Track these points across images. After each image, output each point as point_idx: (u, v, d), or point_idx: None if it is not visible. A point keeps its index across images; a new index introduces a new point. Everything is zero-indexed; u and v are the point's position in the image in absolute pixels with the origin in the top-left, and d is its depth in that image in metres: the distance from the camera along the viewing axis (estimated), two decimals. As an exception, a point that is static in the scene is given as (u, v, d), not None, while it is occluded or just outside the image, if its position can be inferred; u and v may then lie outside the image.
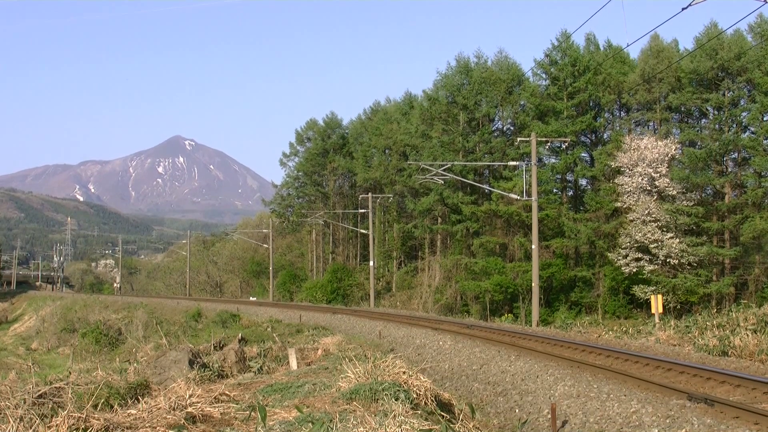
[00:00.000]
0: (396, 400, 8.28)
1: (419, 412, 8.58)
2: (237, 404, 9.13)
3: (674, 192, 39.91)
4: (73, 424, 6.92)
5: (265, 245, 74.52)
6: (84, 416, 7.09)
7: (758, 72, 40.63)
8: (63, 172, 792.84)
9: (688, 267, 39.20)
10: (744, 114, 43.31)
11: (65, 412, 7.10)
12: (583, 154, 49.70)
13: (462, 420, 9.87)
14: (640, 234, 38.75)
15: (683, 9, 15.10)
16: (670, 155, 39.92)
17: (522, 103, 51.45)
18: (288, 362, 15.97)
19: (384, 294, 59.76)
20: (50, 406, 8.43)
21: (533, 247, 33.52)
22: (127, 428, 7.19)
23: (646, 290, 38.30)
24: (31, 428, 6.79)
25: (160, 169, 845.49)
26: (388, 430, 6.89)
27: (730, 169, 44.31)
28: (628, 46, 23.39)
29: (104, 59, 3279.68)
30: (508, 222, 48.92)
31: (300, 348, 17.77)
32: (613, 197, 42.95)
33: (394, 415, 7.30)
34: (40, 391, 8.92)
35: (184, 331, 36.31)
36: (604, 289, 44.12)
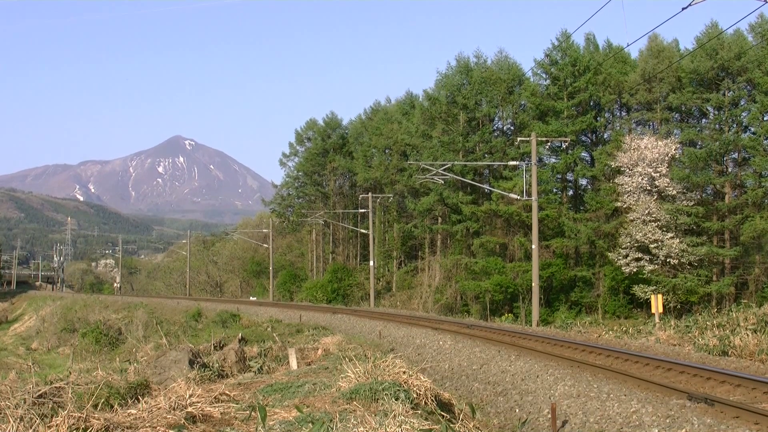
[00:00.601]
0: (396, 399, 8.28)
1: (419, 411, 8.58)
2: (237, 404, 9.13)
3: (674, 192, 39.90)
4: (73, 424, 6.92)
5: (265, 245, 74.52)
6: (84, 416, 7.09)
7: (758, 72, 40.62)
8: (63, 172, 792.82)
9: (688, 267, 39.19)
10: (744, 114, 43.29)
11: (65, 412, 7.10)
12: (583, 154, 49.70)
13: (462, 420, 9.86)
14: (640, 234, 38.75)
15: (683, 9, 15.10)
16: (670, 155, 39.92)
17: (522, 103, 51.45)
18: (288, 362, 15.98)
19: (384, 294, 59.76)
20: (50, 406, 8.43)
21: (533, 247, 33.51)
22: (127, 428, 7.19)
23: (646, 290, 38.29)
24: (31, 428, 6.78)
25: (160, 169, 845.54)
26: (388, 429, 6.89)
27: (730, 169, 44.30)
28: (628, 45, 23.40)
29: (104, 59, 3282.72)
30: (508, 222, 48.92)
31: (300, 348, 17.77)
32: (613, 197, 42.94)
33: (394, 415, 7.30)
34: (40, 391, 8.92)
35: (184, 331, 36.31)
36: (604, 289, 44.12)
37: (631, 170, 40.03)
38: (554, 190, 50.26)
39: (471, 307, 48.30)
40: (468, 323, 27.79)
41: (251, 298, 69.60)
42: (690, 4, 15.00)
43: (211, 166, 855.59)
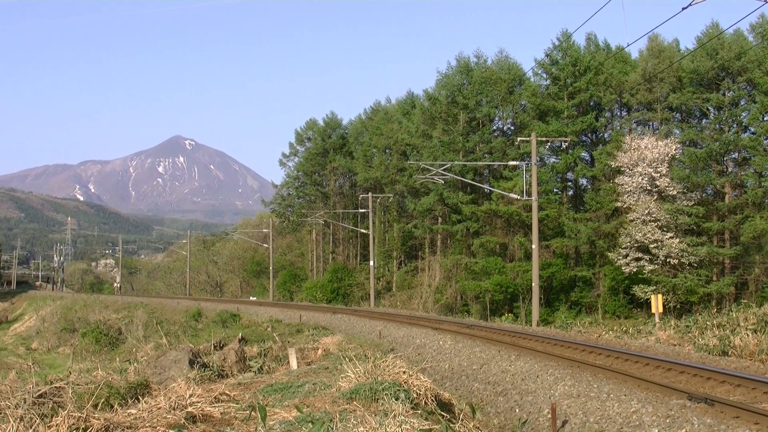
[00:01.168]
0: (396, 399, 8.28)
1: (419, 411, 8.58)
2: (237, 404, 9.13)
3: (674, 192, 39.90)
4: (73, 424, 6.92)
5: (265, 245, 74.52)
6: (84, 416, 7.09)
7: (758, 72, 40.63)
8: (63, 172, 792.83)
9: (689, 267, 39.19)
10: (744, 114, 43.31)
11: (65, 412, 7.10)
12: (583, 154, 49.70)
13: (462, 420, 9.86)
14: (640, 234, 38.75)
15: (683, 9, 15.10)
16: (670, 155, 39.92)
17: (522, 103, 51.43)
18: (288, 362, 15.98)
19: (384, 294, 59.76)
20: (50, 405, 8.43)
21: (533, 246, 33.51)
22: (127, 428, 7.19)
23: (646, 290, 38.29)
24: (31, 428, 6.78)
25: (160, 169, 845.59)
26: (388, 429, 6.89)
27: (730, 169, 44.30)
28: (628, 45, 23.40)
29: (104, 59, 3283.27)
30: (508, 222, 48.91)
31: (300, 348, 17.77)
32: (614, 197, 42.94)
33: (395, 415, 7.30)
34: (40, 390, 8.92)
35: (184, 331, 36.31)
36: (604, 289, 44.11)
37: (631, 170, 40.03)
38: (554, 190, 50.26)
39: (471, 307, 48.30)
40: (468, 323, 27.78)
41: (251, 298, 69.59)
42: (690, 4, 15.00)
43: (211, 166, 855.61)
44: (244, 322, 36.27)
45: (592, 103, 48.77)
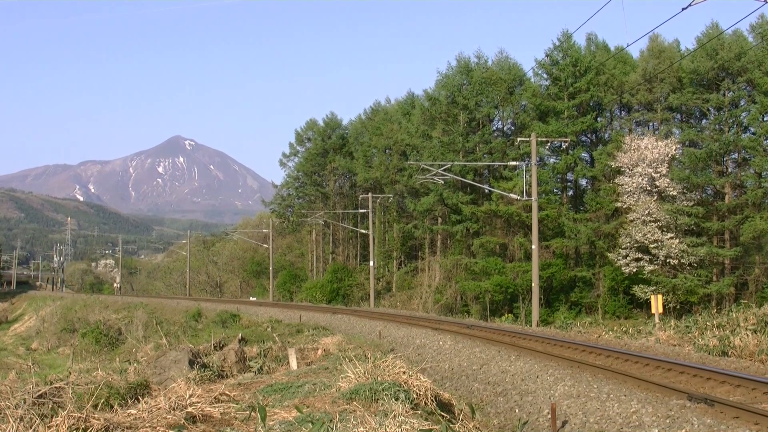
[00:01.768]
0: (396, 400, 8.28)
1: (419, 412, 8.58)
2: (237, 404, 9.13)
3: (674, 192, 39.90)
4: (73, 424, 6.92)
5: (265, 245, 74.52)
6: (84, 416, 7.09)
7: (758, 72, 40.63)
8: (63, 172, 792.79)
9: (688, 267, 39.19)
10: (744, 114, 43.31)
11: (65, 412, 7.10)
12: (583, 154, 49.69)
13: (462, 420, 9.87)
14: (640, 234, 38.75)
15: (683, 9, 15.11)
16: (670, 155, 39.92)
17: (523, 103, 51.42)
18: (288, 362, 15.98)
19: (384, 294, 59.75)
20: (50, 406, 8.43)
21: (533, 247, 33.50)
22: (127, 428, 7.19)
23: (646, 290, 38.29)
24: (31, 428, 6.78)
25: (160, 169, 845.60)
26: (388, 430, 6.89)
27: (730, 170, 44.30)
28: (628, 45, 23.43)
29: (104, 59, 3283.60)
30: (508, 222, 48.91)
31: (300, 348, 17.77)
32: (613, 197, 42.94)
33: (394, 415, 7.30)
34: (40, 391, 8.92)
35: (184, 331, 36.31)
36: (604, 289, 44.11)
37: (631, 170, 40.03)
38: (554, 191, 50.26)
39: (471, 307, 48.29)
40: (468, 323, 27.78)
41: (251, 298, 69.58)
42: (690, 5, 15.01)
43: (211, 166, 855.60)
44: (244, 322, 36.27)
45: (592, 104, 48.77)
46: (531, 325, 31.25)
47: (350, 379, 9.67)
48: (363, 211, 57.66)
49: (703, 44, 41.89)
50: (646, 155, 39.30)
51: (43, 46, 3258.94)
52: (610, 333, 23.31)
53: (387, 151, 62.71)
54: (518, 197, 36.72)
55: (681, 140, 43.82)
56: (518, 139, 40.94)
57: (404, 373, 9.99)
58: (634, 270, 39.57)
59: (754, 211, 40.88)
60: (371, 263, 51.75)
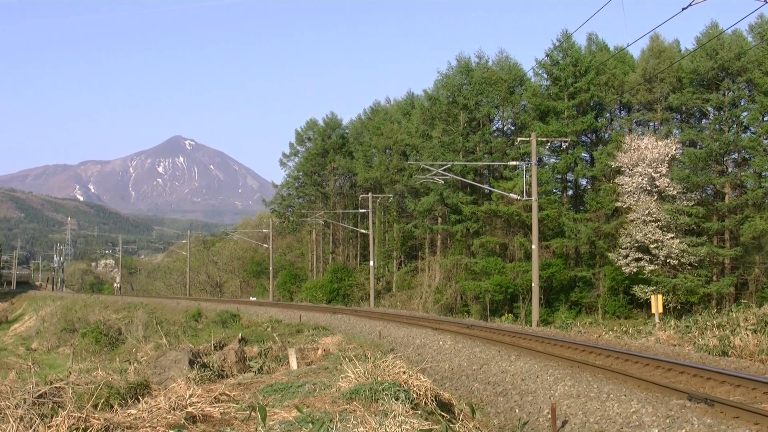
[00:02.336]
0: (396, 400, 8.28)
1: (419, 412, 8.58)
2: (237, 404, 9.13)
3: (674, 192, 39.90)
4: (73, 424, 6.92)
5: (265, 245, 74.51)
6: (84, 416, 7.09)
7: (758, 72, 40.63)
8: (63, 172, 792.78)
9: (689, 267, 39.19)
10: (744, 114, 43.31)
11: (65, 412, 7.10)
12: (583, 154, 49.69)
13: (462, 420, 9.87)
14: (640, 234, 38.75)
15: (683, 9, 15.11)
16: (670, 155, 39.92)
17: (523, 103, 51.42)
18: (288, 362, 15.97)
19: (384, 294, 59.75)
20: (50, 406, 8.43)
21: (533, 247, 33.50)
22: (127, 428, 7.19)
23: (646, 290, 38.29)
24: (31, 428, 6.78)
25: (160, 169, 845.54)
26: (388, 430, 6.89)
27: (730, 170, 44.30)
28: (628, 45, 23.44)
29: (104, 59, 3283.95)
30: (508, 222, 48.91)
31: (300, 348, 17.76)
32: (614, 197, 42.94)
33: (394, 415, 7.30)
34: (40, 391, 8.92)
35: (184, 331, 36.31)
36: (604, 289, 44.11)
37: (631, 170, 40.03)
38: (554, 191, 50.26)
39: (471, 307, 48.29)
40: (468, 323, 27.78)
41: (251, 298, 69.58)
42: (690, 4, 15.01)
43: (211, 166, 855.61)
44: (244, 322, 36.27)
45: (592, 104, 48.77)
46: (531, 325, 31.25)
47: (350, 379, 9.67)
48: (363, 211, 57.65)
49: (703, 44, 41.90)
50: (646, 155, 39.30)
51: (43, 46, 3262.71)
52: (610, 333, 23.31)
53: (387, 151, 62.70)
54: (518, 197, 36.72)
55: (681, 140, 43.82)
56: (518, 139, 40.93)
57: (404, 373, 9.99)
58: (635, 270, 39.57)
59: (754, 211, 40.88)
60: (371, 263, 51.75)
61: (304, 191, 75.30)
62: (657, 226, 38.67)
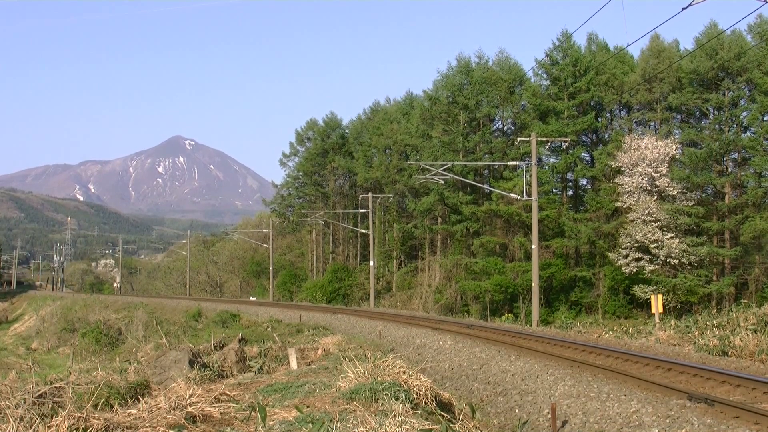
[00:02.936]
0: (396, 399, 8.28)
1: (419, 411, 8.58)
2: (237, 404, 9.13)
3: (674, 192, 39.91)
4: (73, 424, 6.92)
5: (265, 245, 74.52)
6: (84, 416, 7.09)
7: (758, 72, 40.63)
8: (63, 172, 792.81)
9: (689, 267, 39.19)
10: (744, 114, 43.33)
11: (65, 412, 7.10)
12: (583, 154, 49.70)
13: (462, 420, 9.87)
14: (640, 234, 38.75)
15: (683, 9, 15.11)
16: (670, 155, 39.93)
17: (523, 103, 51.41)
18: (288, 362, 15.98)
19: (384, 294, 59.76)
20: (50, 405, 8.43)
21: (533, 247, 33.51)
22: (127, 428, 7.19)
23: (647, 290, 38.28)
24: (31, 428, 6.78)
25: (160, 169, 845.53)
26: (388, 430, 6.89)
27: (730, 169, 44.31)
28: (628, 45, 23.43)
29: (104, 59, 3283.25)
30: (508, 222, 48.90)
31: (300, 348, 17.76)
32: (614, 197, 42.94)
33: (394, 415, 7.30)
34: (40, 390, 8.92)
35: (184, 331, 36.31)
36: (604, 289, 44.11)
37: (631, 170, 40.03)
38: (554, 190, 50.27)
39: (471, 307, 48.29)
40: (468, 323, 27.78)
41: (251, 298, 69.60)
42: (690, 4, 15.01)
43: (211, 166, 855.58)
44: (244, 322, 36.28)
45: (592, 104, 48.78)
46: (531, 325, 31.25)
47: (350, 378, 9.67)
48: (363, 211, 57.66)
49: (703, 44, 41.90)
50: (646, 155, 39.30)
51: (43, 46, 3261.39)
52: (610, 333, 23.31)
53: (387, 151, 62.71)
54: (518, 197, 36.72)
55: (681, 140, 43.81)
56: (518, 139, 40.92)
57: (404, 372, 9.99)
58: (635, 270, 39.57)
59: (754, 211, 40.89)
60: (371, 263, 51.75)
61: (304, 191, 75.32)
62: (657, 226, 38.67)
